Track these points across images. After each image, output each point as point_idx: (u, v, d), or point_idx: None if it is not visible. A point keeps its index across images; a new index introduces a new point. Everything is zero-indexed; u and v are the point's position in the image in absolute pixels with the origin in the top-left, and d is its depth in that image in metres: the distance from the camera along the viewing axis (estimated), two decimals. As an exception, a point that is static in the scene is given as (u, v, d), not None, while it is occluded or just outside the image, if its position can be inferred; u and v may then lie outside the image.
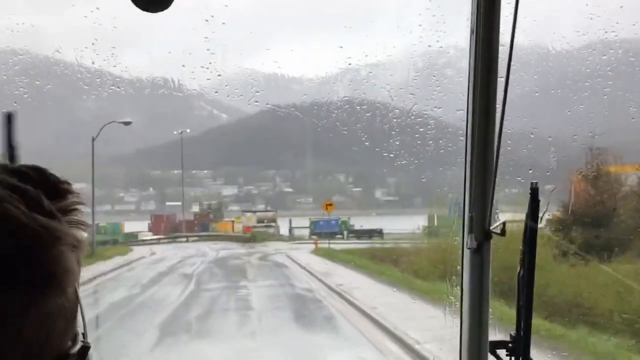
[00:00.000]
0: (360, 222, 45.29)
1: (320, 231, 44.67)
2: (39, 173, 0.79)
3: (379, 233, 41.74)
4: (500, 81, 2.22)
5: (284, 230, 46.96)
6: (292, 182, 68.59)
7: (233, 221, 49.43)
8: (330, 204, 33.23)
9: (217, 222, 50.93)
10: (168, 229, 48.87)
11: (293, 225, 48.17)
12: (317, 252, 33.16)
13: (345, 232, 45.25)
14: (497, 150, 2.23)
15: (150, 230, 48.26)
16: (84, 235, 0.79)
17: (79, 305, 0.79)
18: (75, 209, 0.79)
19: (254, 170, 64.84)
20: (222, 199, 58.14)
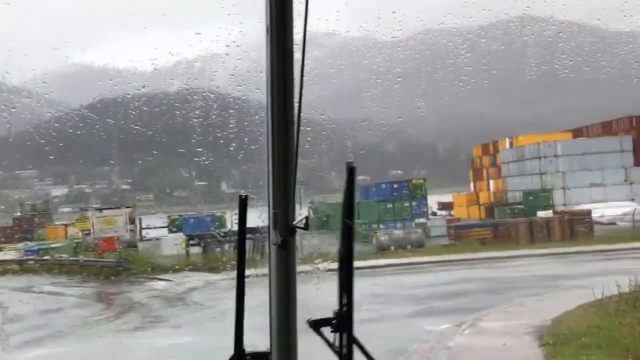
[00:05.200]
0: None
1: (192, 233, 38.75)
2: None
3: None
4: (297, 78, 2.26)
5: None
6: (131, 178, 65.44)
7: (66, 225, 42.12)
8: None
9: (45, 227, 43.41)
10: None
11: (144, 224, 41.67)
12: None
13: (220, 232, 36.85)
14: (296, 147, 2.27)
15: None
16: None
17: None
18: None
19: (86, 167, 61.00)
20: (51, 199, 53.19)
